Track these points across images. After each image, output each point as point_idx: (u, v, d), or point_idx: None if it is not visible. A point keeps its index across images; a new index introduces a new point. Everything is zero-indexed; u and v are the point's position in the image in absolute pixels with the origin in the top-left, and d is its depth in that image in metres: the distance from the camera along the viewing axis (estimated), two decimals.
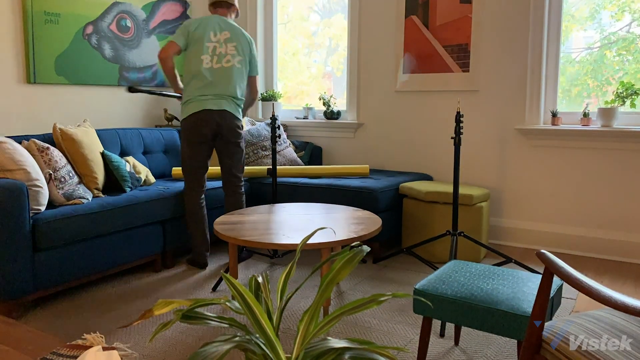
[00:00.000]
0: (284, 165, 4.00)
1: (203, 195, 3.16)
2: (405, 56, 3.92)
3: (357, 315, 2.49)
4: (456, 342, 2.20)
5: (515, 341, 2.19)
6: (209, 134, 3.04)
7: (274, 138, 3.19)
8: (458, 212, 3.11)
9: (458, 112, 2.89)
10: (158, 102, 4.43)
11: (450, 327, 2.33)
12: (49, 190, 2.69)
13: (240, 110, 3.18)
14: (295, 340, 0.90)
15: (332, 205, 2.91)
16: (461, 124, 2.90)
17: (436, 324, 2.37)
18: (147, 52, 4.23)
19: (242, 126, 3.18)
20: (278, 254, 3.29)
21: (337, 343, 0.88)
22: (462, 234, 3.01)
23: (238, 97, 3.13)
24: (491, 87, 3.65)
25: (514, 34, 3.52)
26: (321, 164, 4.41)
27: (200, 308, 0.93)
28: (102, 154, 3.13)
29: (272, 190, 3.31)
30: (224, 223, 2.49)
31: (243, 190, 3.24)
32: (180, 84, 3.19)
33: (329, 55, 4.55)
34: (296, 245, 2.13)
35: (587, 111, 3.35)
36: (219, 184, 3.52)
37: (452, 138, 2.86)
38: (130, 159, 3.35)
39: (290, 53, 4.69)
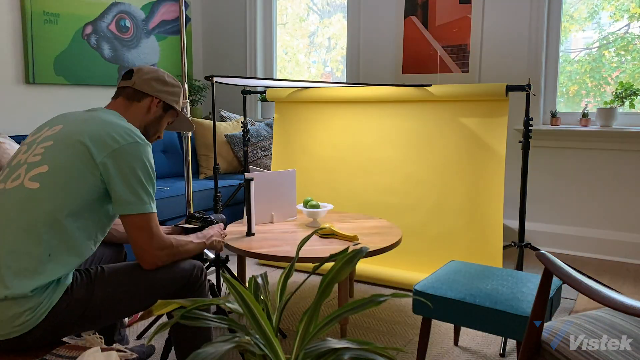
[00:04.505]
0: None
1: None
2: (404, 56, 3.92)
3: (356, 315, 2.49)
4: (455, 342, 2.20)
5: (515, 341, 2.19)
6: None
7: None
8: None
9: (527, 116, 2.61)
10: None
11: (449, 327, 2.33)
12: None
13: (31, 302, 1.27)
14: (294, 341, 0.90)
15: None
16: (530, 127, 2.61)
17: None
18: (146, 53, 4.23)
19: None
20: None
21: (336, 343, 0.87)
22: (529, 246, 2.72)
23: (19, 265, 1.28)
24: None
25: (513, 35, 3.52)
26: None
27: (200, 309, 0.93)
28: None
29: None
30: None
31: None
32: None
33: (328, 54, 4.55)
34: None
35: (586, 111, 3.36)
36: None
37: (519, 142, 2.71)
38: None
39: (290, 53, 4.69)
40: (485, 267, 2.00)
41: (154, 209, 1.44)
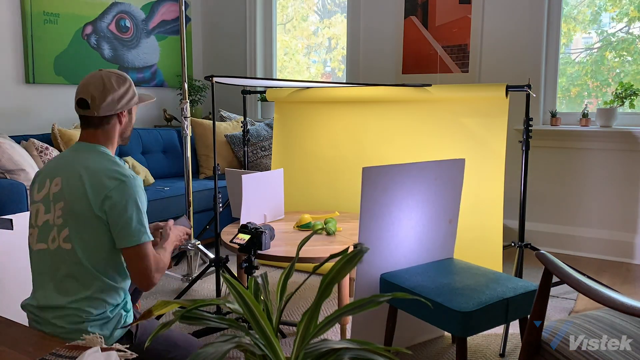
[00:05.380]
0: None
1: None
2: (404, 56, 3.92)
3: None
4: (453, 341, 2.20)
5: (515, 341, 2.19)
6: None
7: None
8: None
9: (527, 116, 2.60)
10: (157, 102, 4.43)
11: None
12: None
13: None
14: (294, 341, 0.90)
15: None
16: (530, 127, 2.59)
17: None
18: (146, 52, 4.23)
19: None
20: None
21: (336, 344, 0.87)
22: (529, 246, 2.70)
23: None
24: None
25: (513, 35, 3.52)
26: None
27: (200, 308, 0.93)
28: None
29: None
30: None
31: None
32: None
33: (329, 54, 4.55)
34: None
35: (586, 111, 3.36)
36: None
37: (519, 142, 2.70)
38: (129, 159, 3.35)
39: (290, 53, 4.69)
40: (470, 266, 2.00)
41: (151, 236, 1.51)
